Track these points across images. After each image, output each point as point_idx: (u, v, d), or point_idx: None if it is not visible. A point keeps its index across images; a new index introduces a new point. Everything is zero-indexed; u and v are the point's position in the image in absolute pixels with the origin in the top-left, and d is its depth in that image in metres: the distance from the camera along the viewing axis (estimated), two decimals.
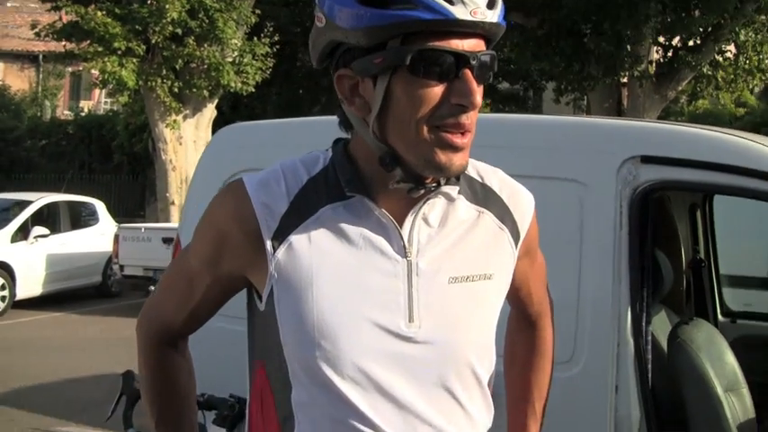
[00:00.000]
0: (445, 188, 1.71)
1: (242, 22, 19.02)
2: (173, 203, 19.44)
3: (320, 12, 1.68)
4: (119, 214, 19.69)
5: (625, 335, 3.35)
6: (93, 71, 19.91)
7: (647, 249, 3.47)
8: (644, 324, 3.41)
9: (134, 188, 30.23)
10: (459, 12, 1.57)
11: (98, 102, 39.65)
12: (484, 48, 1.65)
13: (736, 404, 3.68)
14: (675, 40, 19.84)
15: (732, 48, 20.32)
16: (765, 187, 3.30)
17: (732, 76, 20.24)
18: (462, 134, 1.63)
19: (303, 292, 1.67)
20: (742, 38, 19.12)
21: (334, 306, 1.66)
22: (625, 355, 3.34)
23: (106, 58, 17.80)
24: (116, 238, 15.63)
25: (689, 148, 3.44)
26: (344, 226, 1.70)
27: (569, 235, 3.48)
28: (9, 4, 45.15)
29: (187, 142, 19.47)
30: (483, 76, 1.64)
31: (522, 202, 1.88)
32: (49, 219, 16.59)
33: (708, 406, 3.53)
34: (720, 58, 20.25)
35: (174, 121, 19.04)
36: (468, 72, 1.61)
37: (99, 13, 17.67)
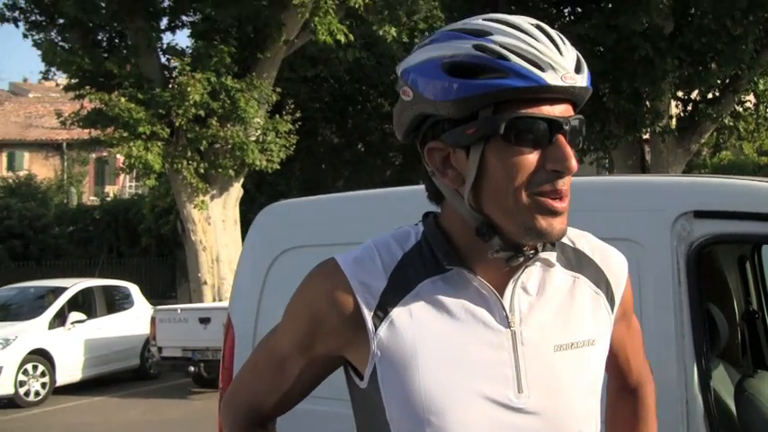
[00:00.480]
0: (543, 254, 1.70)
1: (263, 101, 19.25)
2: (205, 283, 19.51)
3: (406, 85, 1.67)
4: (150, 296, 19.72)
5: (693, 391, 3.32)
6: (118, 156, 20.14)
7: (703, 303, 3.45)
8: (708, 379, 3.38)
9: (163, 269, 30.37)
10: (551, 78, 1.57)
11: (123, 186, 40.03)
12: (572, 112, 1.64)
13: None
14: (694, 94, 19.89)
15: (752, 97, 20.35)
16: None
17: (753, 126, 20.25)
18: (560, 199, 1.62)
19: (408, 368, 1.64)
20: (761, 87, 19.18)
21: (441, 381, 1.63)
22: (694, 412, 3.31)
23: (131, 143, 18.01)
24: (152, 320, 15.64)
25: (741, 201, 3.43)
26: (445, 299, 1.67)
27: None
28: (31, 95, 45.95)
29: (216, 222, 19.59)
30: (575, 140, 1.64)
31: (614, 264, 1.86)
32: (85, 304, 16.74)
33: None
34: (741, 109, 20.29)
35: (202, 201, 19.17)
36: (561, 138, 1.61)
37: (122, 99, 17.92)
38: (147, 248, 30.55)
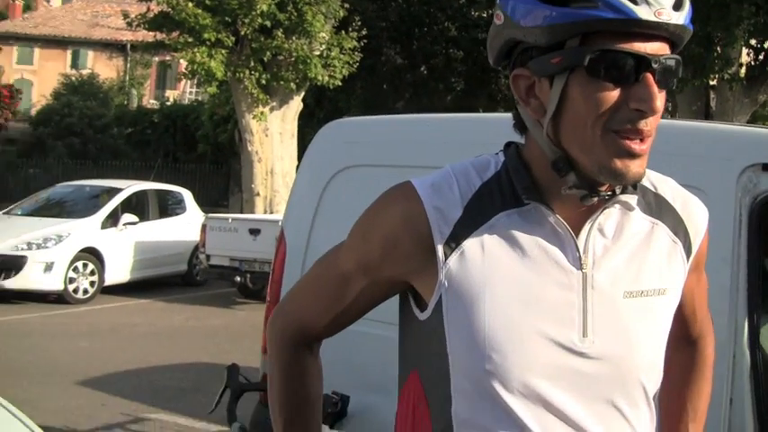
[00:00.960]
0: (623, 197, 1.65)
1: (330, 16, 19.13)
2: (258, 195, 19.62)
3: (499, 10, 1.64)
4: (202, 204, 19.88)
5: (742, 347, 3.28)
6: (181, 61, 20.20)
7: (762, 258, 3.40)
8: (759, 336, 3.34)
9: (218, 178, 30.65)
10: (643, 12, 1.51)
11: (183, 92, 40.24)
12: (668, 51, 1.58)
13: None
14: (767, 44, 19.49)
15: None
16: None
17: None
18: (641, 140, 1.57)
19: (475, 302, 1.61)
20: None
21: (507, 318, 1.61)
22: (741, 368, 3.27)
23: (195, 49, 18.03)
24: (203, 227, 15.74)
25: None
26: (519, 234, 1.64)
27: None
28: None
29: (273, 134, 19.62)
30: (666, 81, 1.58)
31: (695, 213, 1.82)
32: (138, 206, 16.86)
33: None
34: None
35: (261, 112, 19.20)
36: (649, 76, 1.54)
37: (190, 4, 17.89)
38: (203, 156, 30.81)
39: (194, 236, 16.67)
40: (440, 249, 1.64)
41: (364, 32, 20.05)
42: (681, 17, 1.55)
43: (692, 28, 1.59)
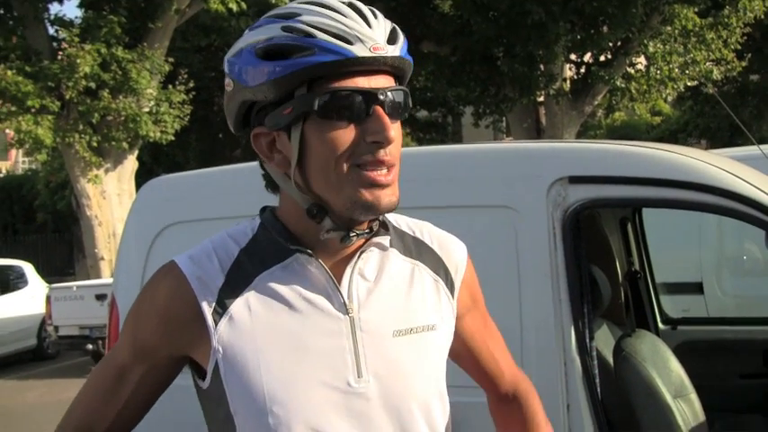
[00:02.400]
0: (377, 239, 1.72)
1: (155, 71, 18.88)
2: (102, 259, 19.17)
3: (228, 77, 1.69)
4: (48, 274, 19.36)
5: (571, 353, 3.38)
6: (8, 131, 19.61)
7: (583, 267, 3.51)
8: (588, 340, 3.45)
9: (61, 246, 29.84)
10: (359, 50, 1.58)
11: (16, 161, 39.09)
12: (393, 84, 1.66)
13: (686, 410, 3.74)
14: (587, 57, 20.23)
15: (642, 59, 20.75)
16: (690, 197, 3.37)
17: (645, 87, 20.62)
18: (387, 171, 1.63)
19: (249, 362, 1.65)
20: (651, 49, 19.53)
21: (282, 372, 1.64)
22: (573, 373, 3.37)
23: (20, 117, 17.52)
24: (48, 299, 15.28)
25: (615, 165, 3.50)
26: (283, 289, 1.69)
27: (506, 261, 3.51)
28: None
29: (111, 196, 19.23)
30: (396, 112, 1.65)
31: (452, 251, 1.88)
32: None
33: (659, 415, 3.59)
34: (632, 71, 20.67)
35: (96, 175, 18.80)
36: (378, 108, 1.61)
37: (9, 73, 17.40)
38: (43, 225, 30.00)
39: (40, 308, 16.12)
40: (209, 317, 1.67)
41: (192, 84, 19.88)
42: (396, 49, 1.63)
43: (410, 59, 1.66)
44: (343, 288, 1.69)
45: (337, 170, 1.61)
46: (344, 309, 1.68)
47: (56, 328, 15.10)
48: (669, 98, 25.86)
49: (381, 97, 1.61)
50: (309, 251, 1.68)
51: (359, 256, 1.71)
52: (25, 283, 17.35)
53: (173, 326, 1.69)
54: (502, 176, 3.65)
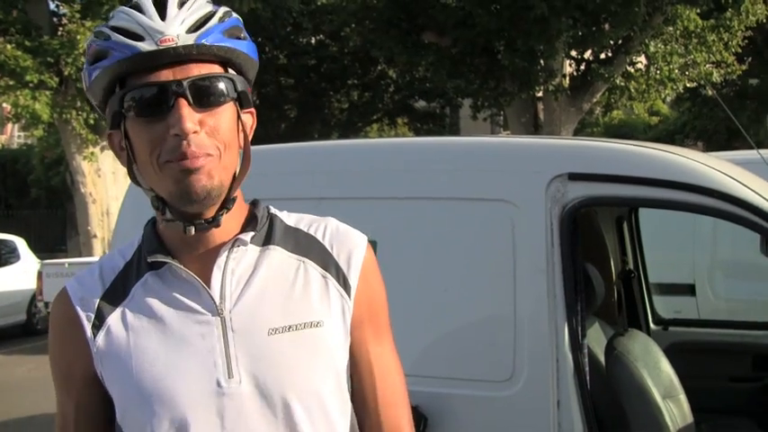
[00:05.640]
0: (240, 236, 1.72)
1: None
2: (95, 236, 19.16)
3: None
4: (40, 250, 19.31)
5: (563, 350, 3.39)
6: (5, 105, 19.58)
7: (578, 264, 3.52)
8: (580, 338, 3.46)
9: (54, 222, 29.78)
10: (146, 45, 1.60)
11: (11, 136, 39.01)
12: (208, 72, 1.64)
13: (675, 410, 3.76)
14: (587, 54, 20.17)
15: (643, 59, 20.73)
16: (687, 198, 3.39)
17: (644, 87, 20.60)
18: (195, 159, 1.61)
19: (124, 370, 1.68)
20: (652, 49, 19.51)
21: (156, 377, 1.66)
22: (564, 370, 3.38)
23: (18, 92, 17.49)
24: (39, 275, 15.26)
25: (614, 164, 3.51)
26: (156, 297, 1.71)
27: (502, 254, 3.52)
28: None
29: (106, 174, 19.21)
30: (207, 100, 1.63)
31: (346, 246, 1.80)
32: None
33: (648, 415, 3.60)
34: (632, 70, 20.64)
35: (92, 153, 18.78)
36: (180, 100, 1.60)
37: (8, 47, 17.36)
38: (37, 200, 29.93)
39: (31, 284, 16.09)
40: (88, 331, 1.72)
41: None
42: (192, 38, 1.62)
43: (221, 44, 1.65)
44: (214, 289, 1.69)
45: (153, 167, 1.63)
46: (215, 309, 1.69)
47: (46, 304, 15.07)
48: (668, 99, 25.86)
49: (175, 88, 1.60)
50: (163, 259, 1.70)
51: (227, 256, 1.71)
52: (17, 258, 17.30)
53: (66, 345, 1.75)
54: (502, 171, 3.65)
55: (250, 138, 1.75)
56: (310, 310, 1.72)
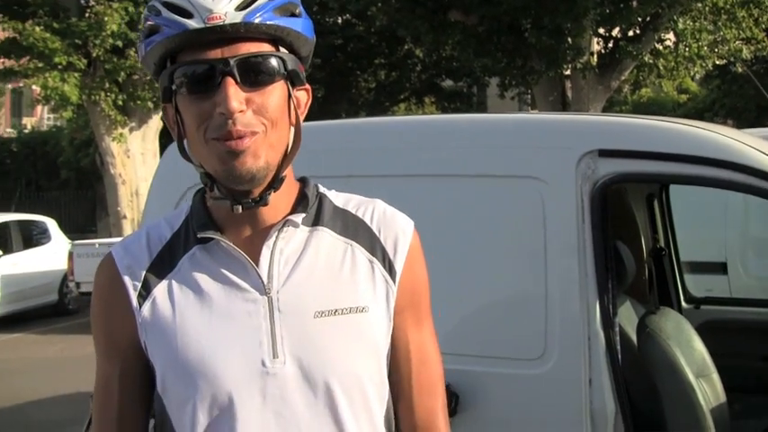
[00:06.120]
0: (291, 216, 1.71)
1: None
2: (124, 217, 19.29)
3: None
4: (70, 230, 19.46)
5: (595, 328, 3.37)
6: (34, 87, 19.70)
7: (608, 241, 3.49)
8: (612, 316, 3.43)
9: (84, 203, 29.98)
10: (195, 22, 1.60)
11: (41, 118, 39.25)
12: (257, 50, 1.64)
13: (708, 389, 3.74)
14: (615, 31, 20.01)
15: (672, 36, 20.55)
16: (719, 175, 3.34)
17: (673, 64, 20.43)
18: (241, 139, 1.61)
19: (170, 343, 1.68)
20: (680, 26, 19.33)
21: (200, 352, 1.66)
22: (596, 348, 3.36)
23: (47, 74, 17.61)
24: (70, 255, 15.41)
25: (645, 140, 3.47)
26: (203, 272, 1.71)
27: (533, 232, 3.49)
28: None
29: (135, 155, 19.32)
30: (255, 78, 1.63)
31: (393, 230, 1.80)
32: (0, 239, 16.39)
33: (681, 393, 3.58)
34: (661, 47, 20.47)
35: (121, 134, 18.88)
36: (226, 79, 1.60)
37: (37, 29, 17.47)
38: (66, 182, 30.11)
39: (62, 264, 16.30)
40: (134, 300, 1.72)
41: None
42: (239, 16, 1.61)
43: (270, 21, 1.64)
44: (262, 268, 1.69)
45: (200, 142, 1.63)
46: (262, 288, 1.69)
47: (77, 285, 15.25)
48: (697, 76, 25.65)
49: (223, 67, 1.61)
50: (212, 235, 1.70)
51: (277, 236, 1.71)
52: (48, 238, 17.48)
53: (111, 312, 1.75)
54: (531, 147, 3.62)
55: (304, 115, 1.75)
56: (356, 295, 1.72)
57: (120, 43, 17.84)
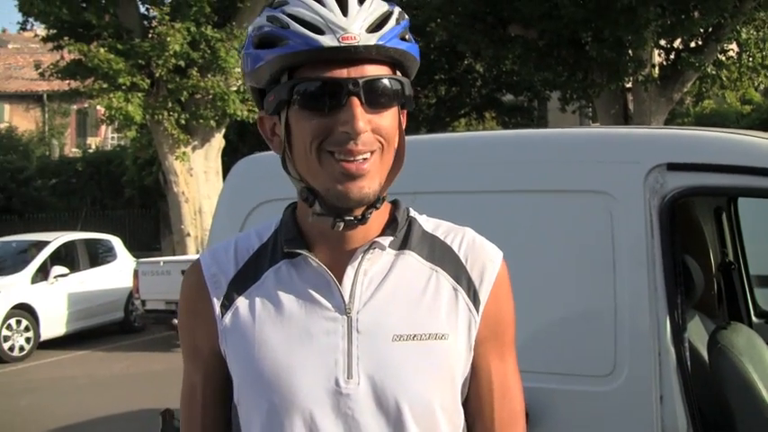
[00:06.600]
0: (379, 239, 1.72)
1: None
2: (188, 235, 19.46)
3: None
4: (134, 248, 19.68)
5: (666, 343, 3.33)
6: (99, 108, 19.99)
7: (677, 256, 3.45)
8: (682, 331, 3.39)
9: (147, 222, 30.30)
10: (327, 40, 1.59)
11: (105, 137, 39.84)
12: (381, 73, 1.65)
13: None
14: (677, 42, 19.84)
15: (734, 46, 20.32)
16: None
17: (736, 75, 20.23)
18: (362, 161, 1.63)
19: (248, 355, 1.70)
20: (743, 36, 19.14)
21: (276, 367, 1.68)
22: (667, 364, 3.32)
23: (111, 94, 17.85)
24: (135, 273, 15.57)
25: (713, 153, 3.43)
26: (286, 286, 1.73)
27: (601, 247, 3.47)
28: (10, 46, 45.50)
29: (198, 173, 19.50)
30: (378, 101, 1.64)
31: (481, 260, 1.79)
32: (67, 258, 16.67)
33: (753, 410, 3.52)
34: (723, 58, 20.26)
35: (184, 152, 19.07)
36: (353, 99, 1.61)
37: (101, 50, 17.74)
38: (130, 200, 30.45)
39: (127, 282, 16.44)
40: (217, 309, 1.76)
41: None
42: (373, 38, 1.61)
43: (403, 47, 1.66)
44: (345, 287, 1.70)
45: (312, 156, 1.64)
46: (343, 308, 1.69)
47: (143, 302, 15.38)
48: (761, 86, 25.25)
49: (351, 87, 1.61)
50: (300, 251, 1.71)
51: (363, 257, 1.71)
52: (114, 256, 17.72)
53: (196, 318, 1.79)
54: (599, 162, 3.60)
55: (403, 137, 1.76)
56: (437, 321, 1.71)
57: (182, 63, 18.05)
